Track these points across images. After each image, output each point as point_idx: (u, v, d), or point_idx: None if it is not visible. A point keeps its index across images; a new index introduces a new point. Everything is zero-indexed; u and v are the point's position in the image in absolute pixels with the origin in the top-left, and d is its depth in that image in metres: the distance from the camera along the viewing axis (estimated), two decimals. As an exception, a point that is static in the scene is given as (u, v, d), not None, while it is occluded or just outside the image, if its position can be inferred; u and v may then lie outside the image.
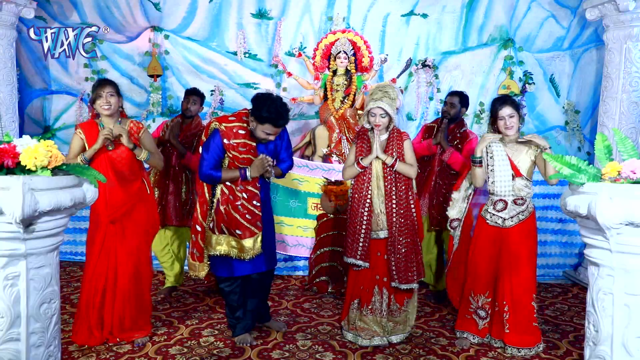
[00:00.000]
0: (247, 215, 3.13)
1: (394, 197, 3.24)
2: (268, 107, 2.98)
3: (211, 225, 3.17)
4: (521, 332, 3.17)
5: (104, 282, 3.17)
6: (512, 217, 3.18)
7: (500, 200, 3.21)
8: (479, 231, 3.31)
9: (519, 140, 3.18)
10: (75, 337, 3.20)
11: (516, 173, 3.17)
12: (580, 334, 3.52)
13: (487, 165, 3.24)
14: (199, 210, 3.19)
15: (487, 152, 3.24)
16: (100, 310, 3.19)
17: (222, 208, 3.14)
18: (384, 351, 3.21)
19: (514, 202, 3.19)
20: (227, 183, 3.14)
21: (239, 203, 3.12)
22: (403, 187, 3.26)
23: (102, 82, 3.20)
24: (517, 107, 3.18)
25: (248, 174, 3.11)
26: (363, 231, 3.25)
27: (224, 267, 3.20)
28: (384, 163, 3.25)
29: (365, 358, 3.13)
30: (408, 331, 3.38)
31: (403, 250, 3.24)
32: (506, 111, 3.13)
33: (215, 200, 3.17)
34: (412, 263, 3.28)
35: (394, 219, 3.23)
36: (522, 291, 3.18)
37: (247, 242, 3.13)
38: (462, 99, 4.08)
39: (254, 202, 3.15)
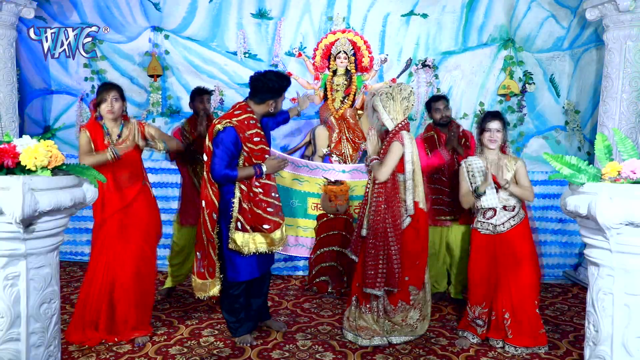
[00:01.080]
0: (268, 209, 3.15)
1: (373, 198, 3.26)
2: (279, 77, 3.17)
3: (239, 225, 3.10)
4: (527, 337, 3.17)
5: (102, 281, 3.17)
6: (503, 223, 3.21)
7: (490, 209, 3.26)
8: (473, 242, 3.34)
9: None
10: (69, 337, 3.19)
11: (498, 186, 3.22)
12: (580, 334, 3.52)
13: (471, 184, 3.30)
14: (208, 221, 3.11)
15: (467, 171, 3.32)
16: (98, 309, 3.19)
17: (245, 206, 3.12)
18: (384, 351, 3.21)
19: (504, 208, 3.23)
20: (254, 182, 3.14)
21: (258, 199, 3.13)
22: (378, 191, 3.22)
23: (107, 86, 3.20)
24: (505, 124, 3.32)
25: (264, 169, 3.13)
26: (357, 227, 3.36)
27: (249, 271, 3.18)
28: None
29: (365, 358, 3.13)
30: (410, 336, 3.35)
31: (370, 252, 3.21)
32: (494, 125, 3.25)
33: (235, 200, 3.10)
34: (377, 269, 3.19)
35: (370, 220, 3.25)
36: (524, 297, 3.17)
37: (277, 234, 3.16)
38: (447, 100, 4.17)
39: (273, 194, 3.18)
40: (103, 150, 3.11)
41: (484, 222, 3.27)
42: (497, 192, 3.22)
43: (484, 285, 3.27)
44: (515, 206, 3.23)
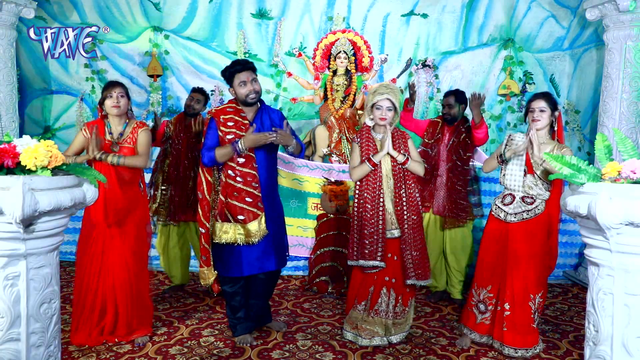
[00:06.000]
0: (247, 199, 3.15)
1: (403, 195, 3.24)
2: (230, 65, 3.22)
3: (214, 212, 3.20)
4: (518, 332, 3.15)
5: (100, 284, 3.17)
6: (515, 214, 3.16)
7: (509, 194, 3.21)
8: (487, 224, 3.32)
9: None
10: (74, 339, 3.19)
11: (529, 169, 3.13)
12: (580, 334, 3.52)
13: (504, 153, 3.21)
14: (201, 213, 3.21)
15: (505, 145, 3.24)
16: (100, 311, 3.19)
17: (221, 197, 3.18)
18: (384, 351, 3.21)
19: (522, 199, 3.16)
20: (228, 172, 3.15)
21: (238, 187, 3.14)
22: (412, 185, 3.28)
23: (113, 83, 3.24)
24: (552, 103, 3.15)
25: (240, 145, 3.08)
26: (381, 231, 3.23)
27: (234, 267, 3.20)
28: (392, 161, 3.24)
29: (365, 358, 3.13)
30: (407, 330, 3.38)
31: (420, 246, 3.27)
32: (538, 104, 3.12)
33: (219, 189, 3.21)
34: (426, 259, 3.32)
35: (405, 217, 3.23)
36: (521, 290, 3.16)
37: (252, 226, 3.14)
38: (458, 96, 4.04)
39: (253, 184, 3.16)
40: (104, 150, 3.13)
41: (498, 207, 3.24)
42: (524, 175, 3.14)
43: (491, 269, 3.25)
44: (535, 199, 3.13)
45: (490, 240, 3.26)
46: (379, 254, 3.21)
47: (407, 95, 4.25)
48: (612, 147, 2.12)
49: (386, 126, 3.22)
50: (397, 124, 3.37)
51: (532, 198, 3.15)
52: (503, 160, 3.20)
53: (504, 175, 3.23)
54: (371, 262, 3.22)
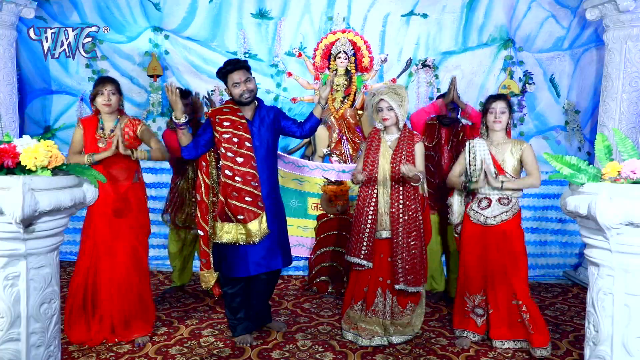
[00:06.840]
0: (247, 198, 3.14)
1: (400, 197, 3.23)
2: (224, 64, 3.22)
3: (213, 214, 3.21)
4: (541, 332, 3.15)
5: (95, 279, 3.17)
6: (494, 217, 3.18)
7: (485, 198, 3.22)
8: (465, 230, 3.31)
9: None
10: (71, 336, 3.19)
11: (499, 171, 3.18)
12: (580, 334, 3.52)
13: (470, 164, 3.25)
14: (199, 215, 3.22)
15: (469, 152, 3.26)
16: (95, 308, 3.18)
17: (221, 197, 3.19)
18: (384, 351, 3.21)
19: (499, 200, 3.19)
20: (225, 172, 3.15)
21: (237, 186, 3.14)
22: (411, 189, 3.24)
23: (104, 80, 3.23)
24: (510, 105, 3.27)
25: (173, 117, 3.12)
26: (367, 231, 3.23)
27: (241, 267, 3.19)
28: (392, 162, 3.22)
29: (365, 358, 3.13)
30: (410, 335, 3.35)
31: (412, 252, 3.22)
32: (499, 105, 3.21)
33: (217, 191, 3.24)
34: (420, 265, 3.26)
35: (400, 220, 3.21)
36: (523, 289, 3.18)
37: (253, 225, 3.14)
38: (456, 105, 4.07)
39: (253, 183, 3.15)
40: (90, 151, 3.14)
41: (477, 212, 3.24)
42: (496, 177, 3.17)
43: (480, 273, 3.26)
44: (510, 198, 3.18)
45: (473, 245, 3.27)
46: (363, 252, 3.23)
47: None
48: (612, 147, 2.12)
49: (393, 126, 3.27)
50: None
51: (507, 198, 3.19)
52: (468, 190, 3.25)
53: (476, 180, 3.24)
54: (354, 259, 3.27)
